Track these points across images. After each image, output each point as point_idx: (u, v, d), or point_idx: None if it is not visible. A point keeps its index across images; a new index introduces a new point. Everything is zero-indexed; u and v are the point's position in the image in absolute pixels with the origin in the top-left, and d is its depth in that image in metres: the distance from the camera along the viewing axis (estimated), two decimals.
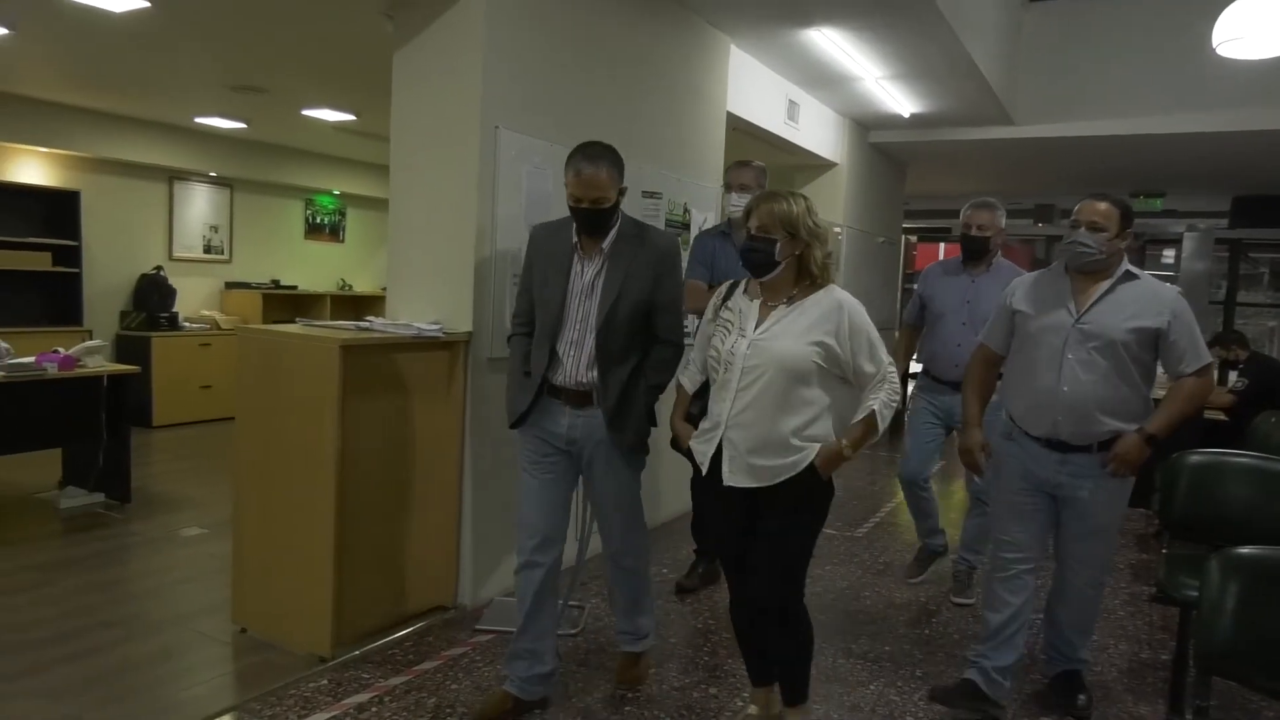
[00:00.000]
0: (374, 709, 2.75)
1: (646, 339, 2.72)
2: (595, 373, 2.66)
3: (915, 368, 4.36)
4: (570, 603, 3.35)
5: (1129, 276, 2.69)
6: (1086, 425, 2.68)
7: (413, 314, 3.53)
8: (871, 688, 3.08)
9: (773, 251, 2.32)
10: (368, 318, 3.41)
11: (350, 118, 6.93)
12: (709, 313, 2.51)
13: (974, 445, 2.97)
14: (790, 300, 2.36)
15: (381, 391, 3.21)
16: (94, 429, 4.83)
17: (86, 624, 3.36)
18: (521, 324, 2.82)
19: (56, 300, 7.16)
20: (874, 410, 2.30)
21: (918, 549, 4.30)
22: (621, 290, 2.64)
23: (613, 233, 2.69)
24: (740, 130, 5.85)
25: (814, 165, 7.48)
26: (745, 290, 2.45)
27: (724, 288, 2.52)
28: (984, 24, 5.77)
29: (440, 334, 3.34)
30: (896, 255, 9.49)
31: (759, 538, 2.40)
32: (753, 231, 2.35)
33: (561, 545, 2.77)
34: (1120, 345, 2.63)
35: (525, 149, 3.69)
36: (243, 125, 7.50)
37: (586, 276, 2.69)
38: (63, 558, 4.13)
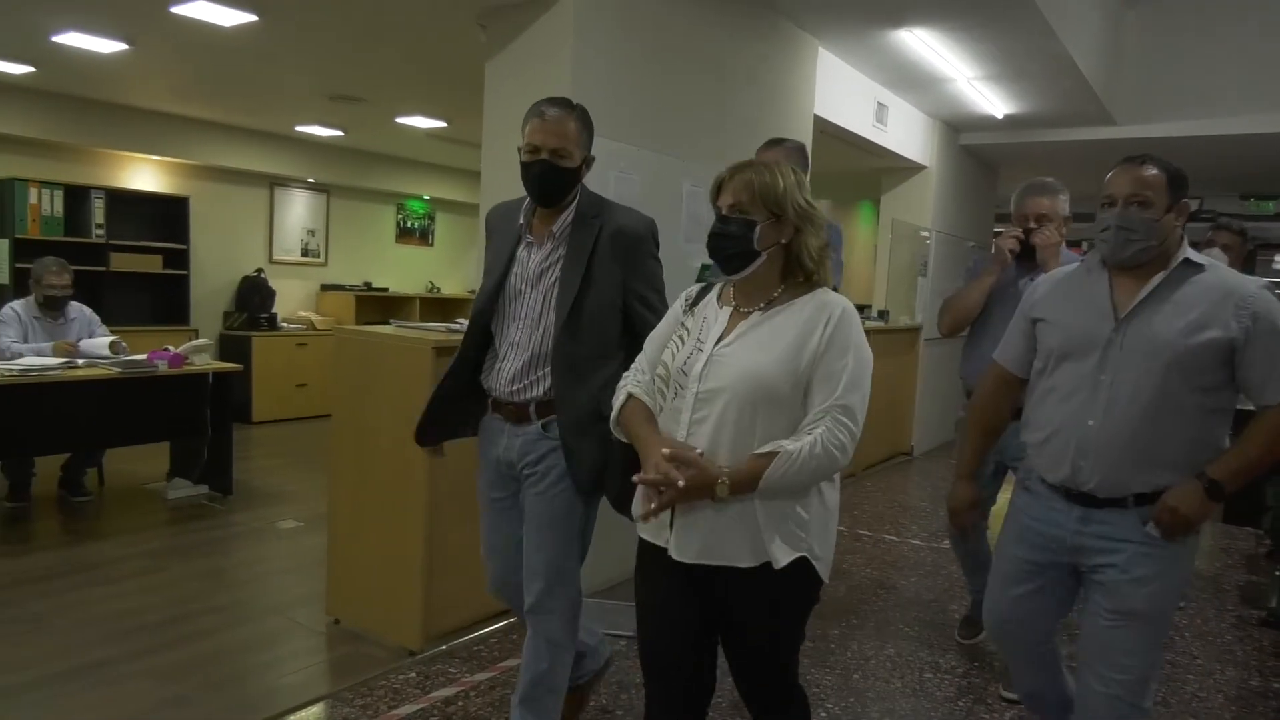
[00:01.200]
0: (460, 703, 2.81)
1: (629, 342, 2.19)
2: (545, 385, 2.19)
3: None
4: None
5: (1191, 268, 1.94)
6: (1120, 473, 1.95)
7: None
8: (960, 704, 3.00)
9: (750, 237, 1.72)
10: (458, 320, 3.49)
11: (441, 125, 7.11)
12: (669, 315, 1.92)
13: (960, 503, 2.33)
14: (769, 304, 1.75)
15: None
16: (200, 424, 5.07)
17: (192, 610, 3.53)
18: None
19: (166, 301, 7.54)
20: (786, 449, 1.62)
21: (970, 604, 3.60)
22: (585, 283, 2.17)
23: (569, 212, 2.23)
24: (827, 134, 5.79)
25: (902, 168, 7.35)
26: (719, 296, 1.84)
27: (694, 289, 1.90)
28: (1083, 20, 5.57)
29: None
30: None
31: (731, 631, 1.81)
32: (723, 211, 1.77)
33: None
34: (1176, 363, 1.88)
35: (613, 154, 3.72)
36: (340, 133, 7.78)
37: (532, 263, 2.22)
38: (170, 546, 4.35)
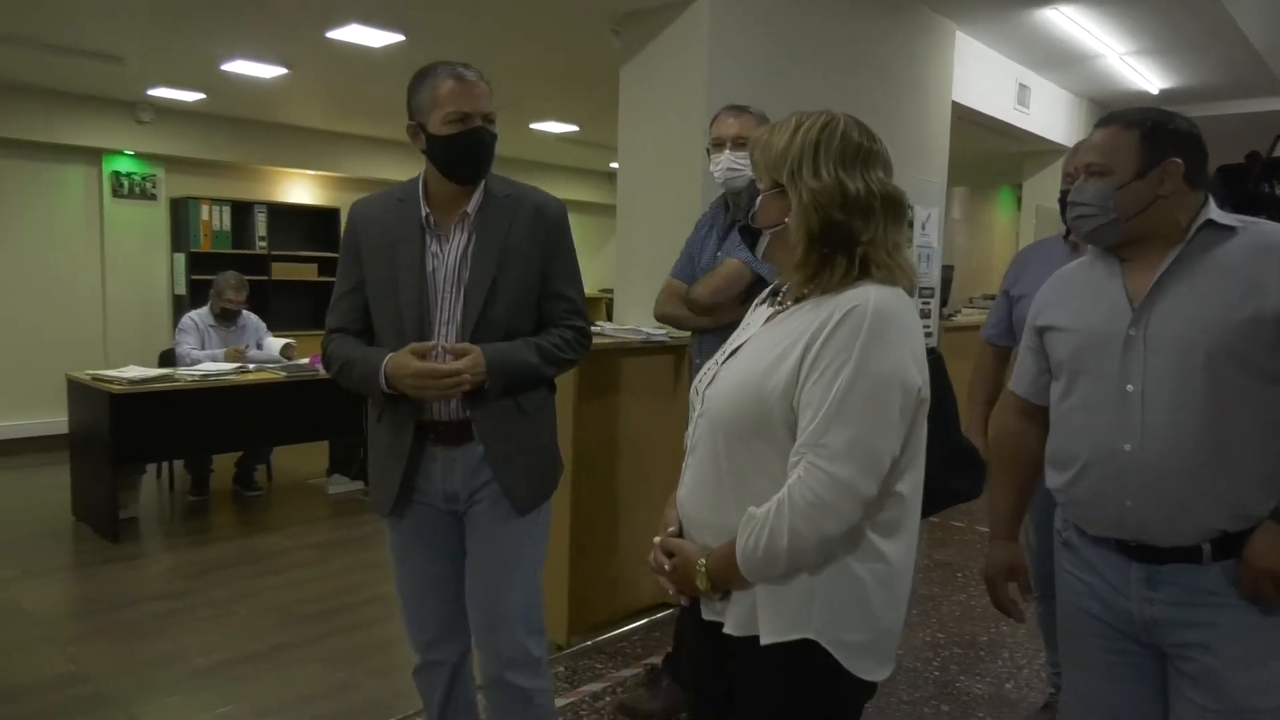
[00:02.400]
0: (607, 698, 2.88)
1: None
2: (469, 399, 1.87)
3: None
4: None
5: (1218, 230, 1.49)
6: (1179, 510, 1.45)
7: (640, 319, 3.66)
8: None
9: (751, 208, 1.40)
10: (598, 323, 3.57)
11: (573, 129, 7.27)
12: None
13: (996, 572, 1.80)
14: (799, 301, 1.34)
15: (611, 393, 3.36)
16: (356, 424, 5.38)
17: (355, 600, 3.76)
18: (341, 347, 1.96)
19: (322, 307, 7.97)
20: (751, 514, 1.25)
21: (1051, 689, 2.86)
22: (499, 270, 1.87)
23: (479, 192, 1.91)
24: (965, 119, 5.59)
25: (1046, 150, 7.01)
26: (776, 293, 1.46)
27: (767, 292, 1.49)
28: None
29: (666, 339, 3.45)
30: None
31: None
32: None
33: (467, 636, 2.04)
34: (1223, 351, 1.41)
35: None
36: None
37: (450, 259, 1.89)
38: (333, 539, 4.64)
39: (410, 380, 1.80)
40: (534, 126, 7.24)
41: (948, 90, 5.07)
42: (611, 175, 9.44)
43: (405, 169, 8.44)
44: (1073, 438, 1.58)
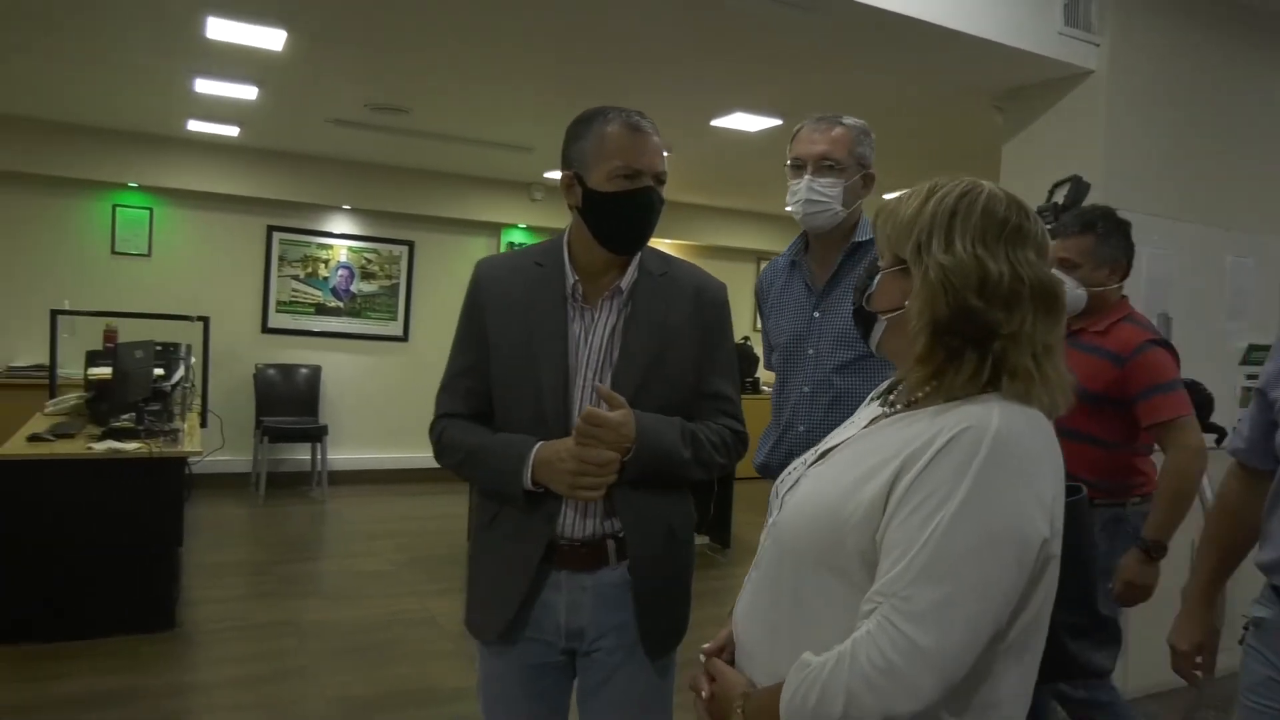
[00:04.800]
0: None
1: None
2: (613, 506, 1.57)
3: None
4: None
5: None
6: None
7: None
8: None
9: (865, 289, 1.18)
10: None
11: None
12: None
13: (1189, 646, 1.67)
14: (911, 405, 1.12)
15: None
16: (708, 481, 5.67)
17: None
18: (465, 434, 1.65)
19: None
20: (805, 662, 1.01)
21: None
22: (653, 357, 1.58)
23: (635, 263, 1.63)
24: None
25: None
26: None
27: (884, 386, 1.25)
28: None
29: None
30: None
31: None
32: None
33: None
34: None
35: (1145, 229, 3.49)
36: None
37: (596, 337, 1.60)
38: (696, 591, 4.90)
39: (570, 465, 1.49)
40: (887, 197, 7.27)
41: None
42: None
43: (745, 235, 8.87)
44: None
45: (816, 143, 1.96)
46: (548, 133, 5.64)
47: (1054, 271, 1.09)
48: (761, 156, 5.90)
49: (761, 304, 2.23)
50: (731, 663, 1.19)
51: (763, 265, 9.43)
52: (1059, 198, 2.84)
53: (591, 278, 1.62)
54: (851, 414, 1.25)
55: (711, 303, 1.68)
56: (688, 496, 1.71)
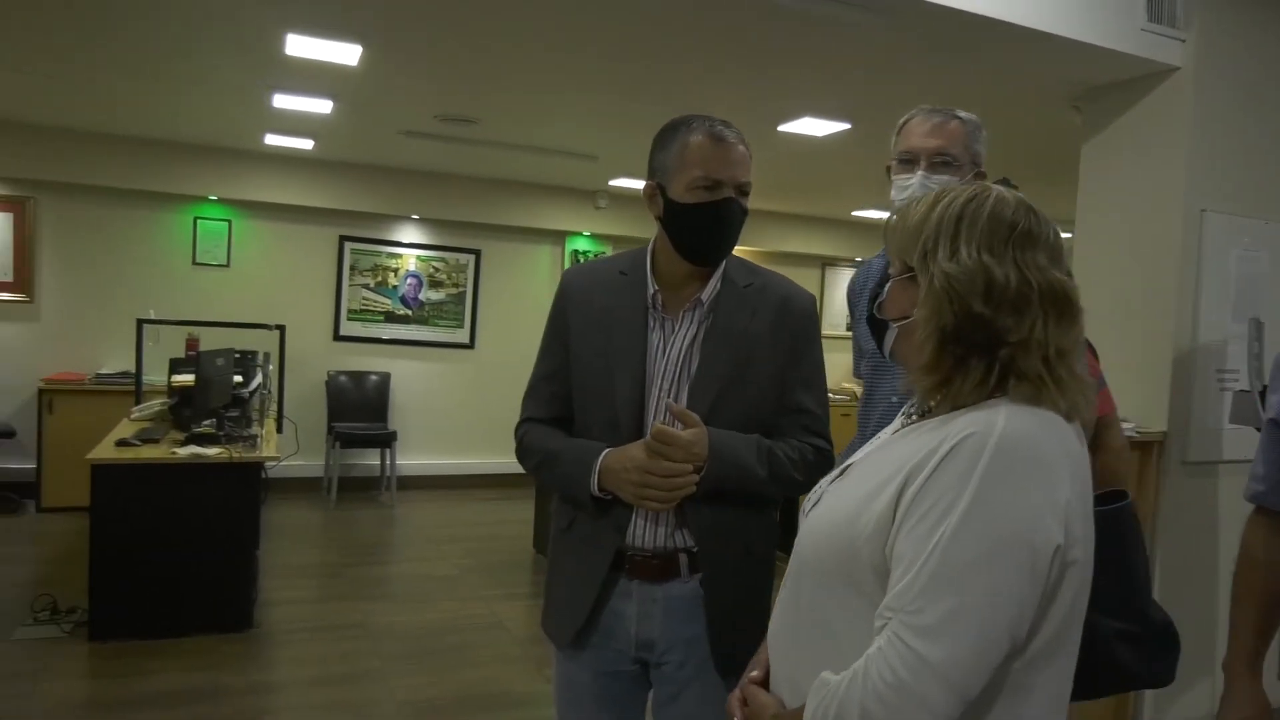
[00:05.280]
0: None
1: None
2: (684, 518, 1.56)
3: None
4: None
5: None
6: None
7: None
8: None
9: (879, 296, 1.17)
10: None
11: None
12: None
13: (1242, 714, 1.48)
14: (925, 416, 1.13)
15: None
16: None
17: None
18: (545, 438, 1.69)
19: None
20: (824, 680, 1.00)
21: None
22: (734, 368, 1.57)
23: (718, 275, 1.63)
24: None
25: None
26: None
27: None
28: None
29: (1134, 433, 3.20)
30: None
31: None
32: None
33: None
34: None
35: (1234, 231, 3.38)
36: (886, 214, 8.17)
37: (675, 348, 1.60)
38: None
39: (634, 476, 1.49)
40: None
41: None
42: None
43: (814, 240, 8.78)
44: None
45: (932, 137, 1.88)
46: (612, 141, 5.67)
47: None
48: (828, 161, 5.84)
49: (853, 307, 2.17)
50: (768, 682, 1.18)
51: (827, 270, 9.36)
52: None
53: (673, 288, 1.63)
54: None
55: (798, 313, 1.65)
56: (770, 514, 1.67)
